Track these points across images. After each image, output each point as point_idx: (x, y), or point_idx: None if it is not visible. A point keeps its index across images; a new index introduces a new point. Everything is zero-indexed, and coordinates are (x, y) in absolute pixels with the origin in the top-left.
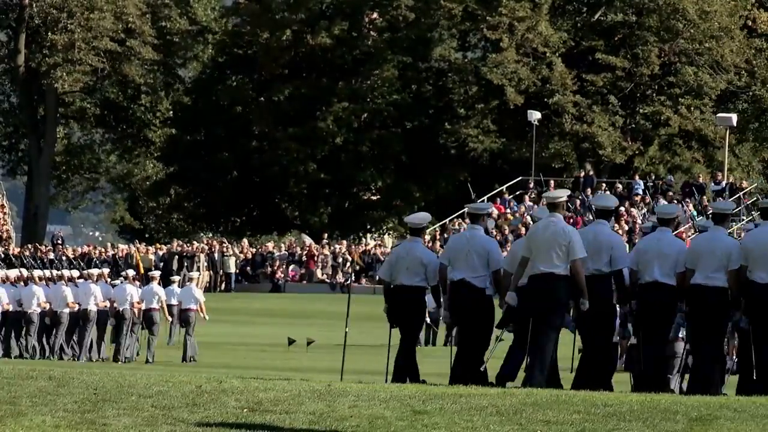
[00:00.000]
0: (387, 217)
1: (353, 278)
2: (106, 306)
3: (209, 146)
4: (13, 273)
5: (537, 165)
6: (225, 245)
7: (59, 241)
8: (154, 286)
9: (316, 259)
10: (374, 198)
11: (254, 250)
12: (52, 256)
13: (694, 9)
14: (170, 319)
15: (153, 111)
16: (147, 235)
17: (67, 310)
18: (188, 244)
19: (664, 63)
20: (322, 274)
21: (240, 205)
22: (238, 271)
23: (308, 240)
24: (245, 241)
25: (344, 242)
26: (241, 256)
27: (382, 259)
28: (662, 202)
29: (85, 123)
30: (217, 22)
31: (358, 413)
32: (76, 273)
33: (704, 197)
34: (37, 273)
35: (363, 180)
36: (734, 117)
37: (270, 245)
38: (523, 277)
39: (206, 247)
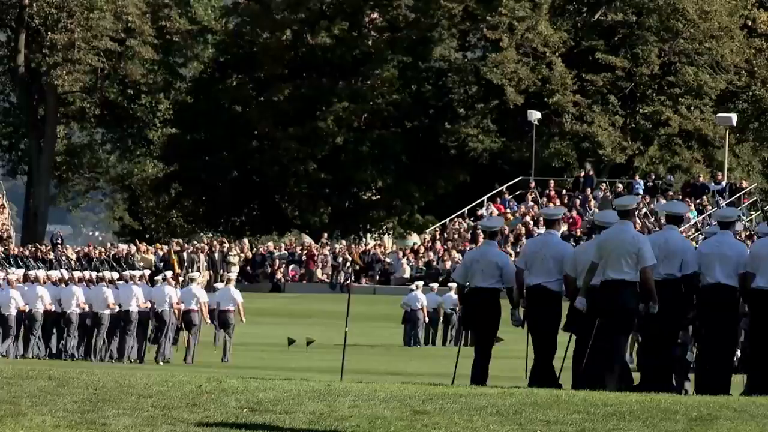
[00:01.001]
0: (387, 217)
1: (353, 278)
2: (146, 307)
3: (209, 146)
4: (54, 273)
5: (537, 165)
6: (226, 245)
7: (59, 241)
8: (193, 287)
9: (316, 258)
10: (374, 198)
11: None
12: (52, 256)
13: (694, 9)
14: (208, 321)
15: (153, 111)
16: (147, 235)
17: (107, 312)
18: (188, 244)
19: (664, 63)
20: (322, 274)
21: (240, 205)
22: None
23: (308, 240)
24: (246, 240)
25: (344, 242)
26: (242, 255)
27: (382, 258)
28: (723, 204)
29: (85, 123)
30: (217, 22)
31: (358, 413)
32: (116, 274)
33: (705, 197)
34: (77, 274)
35: (363, 180)
36: (734, 117)
37: (270, 245)
38: (594, 281)
39: (206, 247)
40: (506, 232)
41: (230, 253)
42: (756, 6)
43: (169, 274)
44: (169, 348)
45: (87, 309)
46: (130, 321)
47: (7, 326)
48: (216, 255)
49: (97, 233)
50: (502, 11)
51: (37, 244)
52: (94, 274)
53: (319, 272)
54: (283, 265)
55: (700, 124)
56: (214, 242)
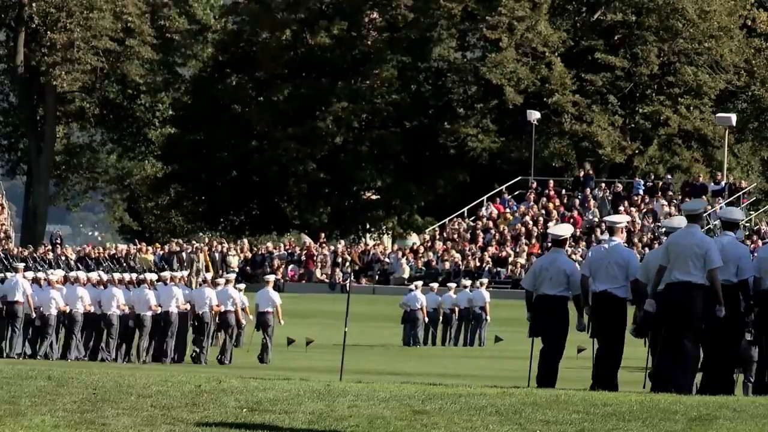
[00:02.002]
0: (386, 216)
1: (352, 278)
2: (186, 309)
3: (209, 146)
4: (93, 275)
5: (536, 165)
6: (225, 245)
7: (58, 241)
8: (230, 288)
9: (315, 258)
10: (374, 198)
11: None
12: (51, 256)
13: (694, 9)
14: (244, 322)
15: (152, 110)
16: (147, 235)
17: (149, 313)
18: (188, 244)
19: (663, 63)
20: (322, 274)
21: (239, 205)
22: (238, 270)
23: (307, 240)
24: (245, 240)
25: (343, 242)
26: (241, 255)
27: (382, 258)
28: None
29: (84, 122)
30: (216, 22)
31: (358, 413)
32: (154, 276)
33: (704, 197)
34: (117, 276)
35: (362, 180)
36: (733, 117)
37: (269, 245)
38: (661, 284)
39: (206, 247)
40: (505, 232)
41: (229, 253)
42: (755, 6)
43: (209, 276)
44: (208, 349)
45: (127, 311)
46: (170, 322)
47: (48, 326)
48: (216, 255)
49: (96, 233)
50: (501, 11)
51: (31, 245)
52: (134, 275)
53: (318, 272)
54: (283, 265)
55: (699, 124)
56: (214, 242)
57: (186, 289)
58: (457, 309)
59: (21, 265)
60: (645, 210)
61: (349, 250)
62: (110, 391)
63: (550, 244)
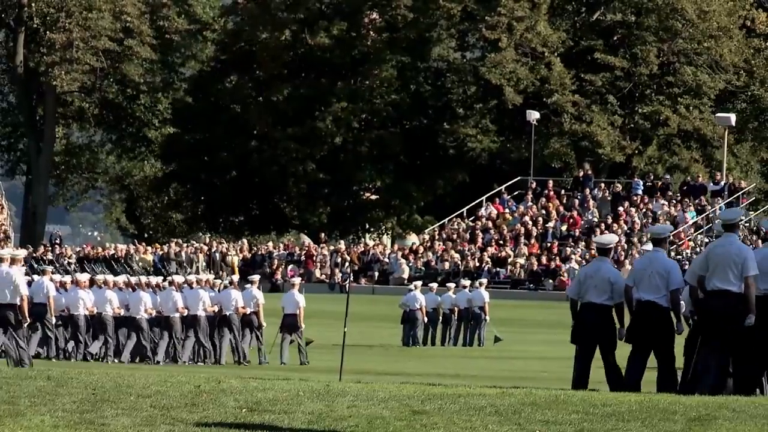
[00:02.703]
0: (386, 217)
1: (352, 278)
2: (213, 311)
3: (208, 146)
4: (121, 278)
5: (536, 165)
6: (224, 246)
7: (58, 241)
8: (253, 289)
9: (314, 259)
10: (373, 198)
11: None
12: (50, 256)
13: (693, 9)
14: (265, 324)
15: (152, 111)
16: (146, 235)
17: (177, 315)
18: (187, 244)
19: (662, 63)
20: (321, 274)
21: (239, 205)
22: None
23: (307, 240)
24: (245, 240)
25: (343, 242)
26: (241, 255)
27: (381, 258)
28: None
29: (84, 123)
30: (215, 22)
31: (357, 413)
32: (181, 279)
33: (703, 197)
34: (144, 279)
35: (362, 180)
36: (733, 117)
37: (269, 245)
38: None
39: (205, 247)
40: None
41: (229, 253)
42: (755, 6)
43: (236, 278)
44: (243, 350)
45: (155, 314)
46: (198, 325)
47: (77, 327)
48: (216, 255)
49: (96, 233)
50: (500, 11)
51: (31, 245)
52: (160, 279)
53: (317, 272)
54: (282, 265)
55: (698, 124)
56: (213, 242)
57: (211, 292)
58: (456, 309)
59: (49, 268)
60: (644, 210)
61: (348, 250)
62: (110, 391)
63: (594, 253)
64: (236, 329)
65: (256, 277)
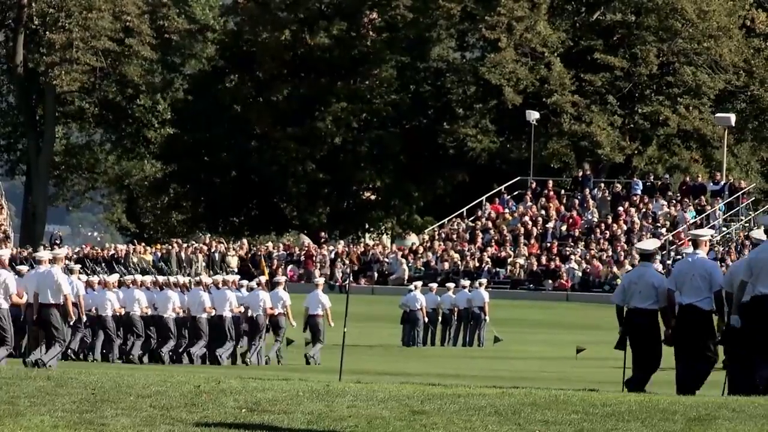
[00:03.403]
0: (386, 216)
1: (351, 278)
2: (240, 312)
3: (208, 146)
4: (148, 278)
5: (535, 165)
6: (224, 245)
7: (57, 241)
8: (280, 290)
9: (314, 259)
10: (373, 198)
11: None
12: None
13: (693, 9)
14: (294, 324)
15: (152, 111)
16: (146, 235)
17: (204, 315)
18: (187, 244)
19: (662, 63)
20: (321, 274)
21: (239, 205)
22: (237, 270)
23: (307, 240)
24: (245, 240)
25: (342, 242)
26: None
27: (381, 259)
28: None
29: (83, 123)
30: (215, 22)
31: (357, 413)
32: (209, 279)
33: (703, 197)
34: (172, 279)
35: (361, 180)
36: (733, 117)
37: (269, 245)
38: (745, 297)
39: (205, 247)
40: (504, 232)
41: (228, 253)
42: (754, 6)
43: (263, 279)
44: (265, 351)
45: (182, 313)
46: (224, 326)
47: (105, 328)
48: (215, 255)
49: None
50: (500, 11)
51: (30, 245)
52: (187, 279)
53: (317, 272)
54: (282, 265)
55: (698, 124)
56: (213, 242)
57: (239, 293)
58: (456, 309)
59: (77, 267)
60: (644, 210)
61: (348, 250)
62: (109, 391)
63: (637, 259)
64: (261, 331)
65: (282, 278)
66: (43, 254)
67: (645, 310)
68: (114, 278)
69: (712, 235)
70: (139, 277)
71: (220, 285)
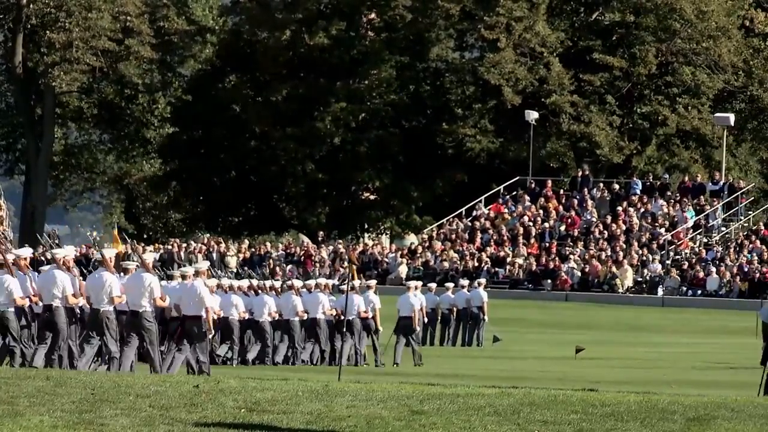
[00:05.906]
0: (385, 216)
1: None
2: (332, 315)
3: (207, 146)
4: (245, 283)
5: (534, 165)
6: (223, 245)
7: (57, 241)
8: (370, 294)
9: (313, 258)
10: (372, 198)
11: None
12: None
13: (692, 9)
14: (381, 328)
15: (151, 111)
16: (145, 235)
17: (297, 319)
18: (186, 244)
19: (661, 63)
20: (320, 274)
21: (238, 205)
22: (236, 270)
23: (306, 240)
24: (245, 241)
25: (342, 242)
26: (239, 255)
27: (380, 259)
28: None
29: (82, 123)
30: (215, 22)
31: (356, 413)
32: (299, 283)
33: (702, 197)
34: (267, 283)
35: (361, 180)
36: (732, 117)
37: (268, 245)
38: None
39: (204, 247)
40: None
41: (228, 253)
42: (753, 6)
43: (357, 283)
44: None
45: (278, 317)
46: (319, 328)
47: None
48: (214, 255)
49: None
50: (499, 11)
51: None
52: (278, 283)
53: (316, 272)
54: (281, 265)
55: (697, 124)
56: (212, 242)
57: (331, 296)
58: (454, 309)
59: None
60: (643, 210)
61: (347, 250)
62: (108, 391)
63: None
64: (357, 333)
65: (373, 282)
66: (188, 269)
67: None
68: (213, 282)
69: (711, 235)
70: (235, 282)
71: (313, 288)
